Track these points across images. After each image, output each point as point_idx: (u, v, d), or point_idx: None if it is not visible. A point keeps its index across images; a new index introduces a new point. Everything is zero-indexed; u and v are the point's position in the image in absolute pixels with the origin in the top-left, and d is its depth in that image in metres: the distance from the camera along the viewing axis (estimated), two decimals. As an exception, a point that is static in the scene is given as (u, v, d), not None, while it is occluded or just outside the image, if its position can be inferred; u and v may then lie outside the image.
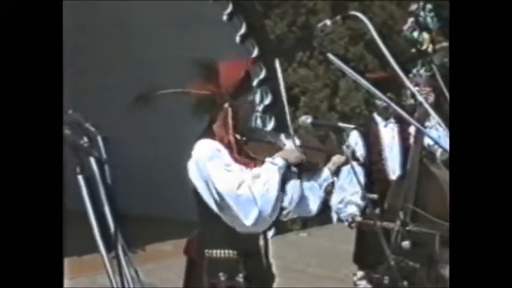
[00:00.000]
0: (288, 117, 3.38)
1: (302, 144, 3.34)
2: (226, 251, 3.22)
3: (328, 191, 3.52)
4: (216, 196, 3.11)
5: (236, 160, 3.16)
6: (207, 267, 3.24)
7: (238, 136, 3.24)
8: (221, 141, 3.18)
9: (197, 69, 3.21)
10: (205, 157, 3.15)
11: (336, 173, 3.54)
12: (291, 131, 3.33)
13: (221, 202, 3.11)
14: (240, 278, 3.22)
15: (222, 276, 3.22)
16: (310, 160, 3.36)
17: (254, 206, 3.05)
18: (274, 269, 3.49)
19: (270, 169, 3.14)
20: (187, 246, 3.39)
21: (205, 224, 3.26)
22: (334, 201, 4.75)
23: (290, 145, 3.29)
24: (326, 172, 3.45)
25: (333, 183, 3.52)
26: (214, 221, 3.18)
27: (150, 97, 3.20)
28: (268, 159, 3.18)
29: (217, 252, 3.22)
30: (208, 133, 3.24)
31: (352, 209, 4.64)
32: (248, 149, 3.25)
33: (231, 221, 3.15)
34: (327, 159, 3.46)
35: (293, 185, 3.34)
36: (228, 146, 3.18)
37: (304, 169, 3.34)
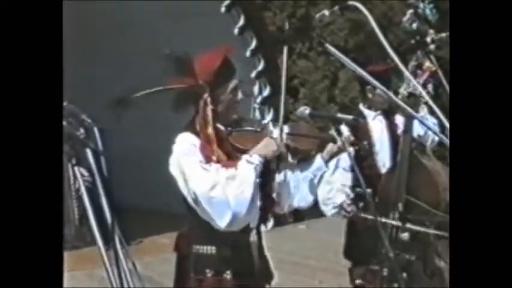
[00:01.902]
0: (282, 105, 3.31)
1: (291, 132, 3.24)
2: (214, 247, 3.14)
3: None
4: (192, 194, 3.04)
5: (212, 156, 3.06)
6: (194, 264, 3.16)
7: (222, 127, 3.16)
8: (202, 133, 3.09)
9: (172, 65, 3.11)
10: (182, 152, 3.08)
11: (328, 162, 3.45)
12: (280, 119, 3.22)
13: (196, 201, 3.03)
14: (227, 274, 3.13)
15: (208, 273, 3.14)
16: (300, 147, 3.27)
17: (227, 208, 2.96)
18: (272, 267, 3.38)
19: (246, 168, 3.04)
20: (177, 243, 3.30)
21: (193, 219, 3.15)
22: (320, 194, 4.72)
23: (277, 134, 3.19)
24: (319, 161, 3.38)
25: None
26: (200, 216, 3.09)
27: (128, 101, 3.09)
28: (244, 157, 3.09)
29: (204, 249, 3.14)
30: (191, 126, 3.15)
31: (342, 198, 4.61)
32: (233, 140, 3.16)
33: (209, 219, 3.06)
34: (321, 147, 3.37)
35: (287, 177, 3.27)
36: (207, 138, 3.08)
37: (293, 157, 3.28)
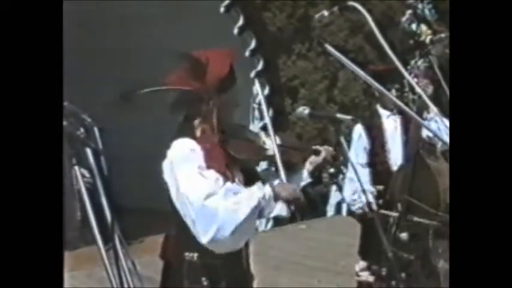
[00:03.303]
0: (266, 115, 3.26)
1: (282, 144, 3.16)
2: (207, 254, 2.94)
3: (310, 191, 3.43)
4: (181, 201, 2.90)
5: (214, 163, 2.93)
6: (188, 272, 3.02)
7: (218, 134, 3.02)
8: (205, 139, 2.99)
9: (185, 64, 3.02)
10: (179, 158, 2.94)
11: (313, 174, 3.40)
12: (271, 130, 3.15)
13: (185, 209, 2.90)
14: (223, 282, 3.01)
15: (204, 281, 3.00)
16: (290, 159, 3.20)
17: (214, 221, 2.80)
18: (252, 269, 3.26)
19: (252, 193, 2.89)
20: (164, 250, 3.17)
21: (183, 225, 2.96)
22: (346, 193, 4.76)
23: (269, 143, 3.12)
24: (304, 173, 3.29)
25: (313, 184, 3.39)
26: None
27: (131, 97, 3.00)
28: (258, 184, 2.95)
29: (198, 256, 3.00)
30: (187, 130, 3.04)
31: (368, 197, 4.63)
32: (229, 148, 3.04)
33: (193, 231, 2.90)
34: (305, 159, 3.29)
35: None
36: (211, 146, 2.96)
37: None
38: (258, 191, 2.90)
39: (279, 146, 3.12)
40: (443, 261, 4.10)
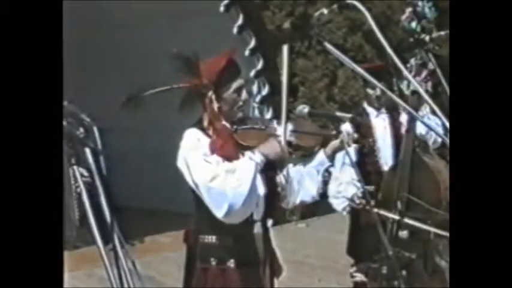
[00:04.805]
0: (284, 104, 3.37)
1: (295, 129, 3.34)
2: (218, 236, 3.25)
3: (326, 177, 3.53)
4: (194, 185, 3.17)
5: (218, 149, 3.18)
6: (200, 253, 3.29)
7: (227, 125, 3.26)
8: (210, 128, 3.22)
9: (178, 64, 3.24)
10: (186, 146, 3.21)
11: (332, 158, 3.53)
12: (283, 118, 3.31)
13: (197, 191, 3.16)
14: (231, 263, 3.25)
15: (213, 261, 3.26)
16: (303, 144, 3.37)
17: (225, 199, 3.08)
18: (281, 261, 3.49)
19: (246, 164, 3.17)
20: (186, 235, 3.43)
21: (199, 210, 3.26)
22: (332, 189, 4.74)
23: (280, 132, 3.29)
24: (322, 156, 3.49)
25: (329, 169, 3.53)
26: (205, 207, 3.18)
27: (138, 99, 3.23)
28: (247, 153, 3.20)
29: (209, 238, 3.27)
30: (198, 122, 3.28)
31: (352, 190, 4.63)
32: (238, 137, 3.26)
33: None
34: (324, 143, 3.45)
35: (291, 172, 3.38)
36: (215, 133, 3.21)
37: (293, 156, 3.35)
38: (250, 161, 3.18)
39: (292, 131, 3.31)
40: (445, 259, 4.09)
